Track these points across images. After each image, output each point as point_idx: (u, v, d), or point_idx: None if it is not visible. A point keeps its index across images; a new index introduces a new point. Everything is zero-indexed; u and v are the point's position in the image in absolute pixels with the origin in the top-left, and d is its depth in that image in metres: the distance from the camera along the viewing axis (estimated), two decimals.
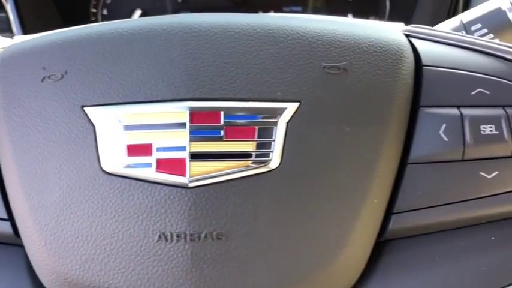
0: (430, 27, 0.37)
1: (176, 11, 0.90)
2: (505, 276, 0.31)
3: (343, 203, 0.30)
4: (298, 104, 0.30)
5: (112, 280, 0.29)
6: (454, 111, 0.32)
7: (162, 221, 0.29)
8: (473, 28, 0.49)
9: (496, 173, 0.31)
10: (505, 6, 0.48)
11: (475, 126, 0.31)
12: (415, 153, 0.32)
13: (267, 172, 0.30)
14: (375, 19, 0.91)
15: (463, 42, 0.35)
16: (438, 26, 0.52)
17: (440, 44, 0.35)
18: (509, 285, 0.31)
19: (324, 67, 0.31)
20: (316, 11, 0.89)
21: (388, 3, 0.90)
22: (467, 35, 0.36)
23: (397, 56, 0.33)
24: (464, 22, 0.50)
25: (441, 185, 0.31)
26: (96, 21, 0.92)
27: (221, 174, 0.29)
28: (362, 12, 0.90)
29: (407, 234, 0.32)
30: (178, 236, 0.29)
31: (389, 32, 0.35)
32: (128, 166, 0.30)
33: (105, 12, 0.91)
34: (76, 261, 0.29)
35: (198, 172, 0.29)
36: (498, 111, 0.32)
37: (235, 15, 0.34)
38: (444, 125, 0.32)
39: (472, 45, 0.35)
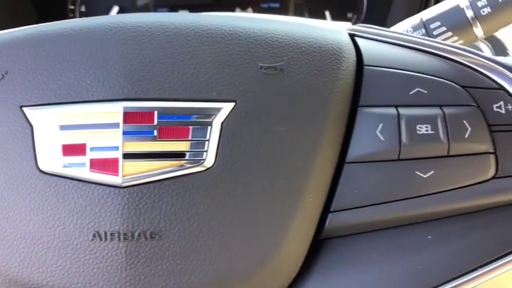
0: (376, 27, 0.37)
1: (155, 7, 0.90)
2: (439, 275, 0.31)
3: (278, 202, 0.30)
4: (233, 104, 0.31)
5: (50, 278, 0.30)
6: (392, 110, 0.32)
7: (96, 220, 0.29)
8: (432, 26, 0.49)
9: (432, 172, 0.31)
10: (463, 4, 0.48)
11: (411, 126, 0.32)
12: (352, 153, 0.32)
13: (201, 172, 0.30)
14: (353, 16, 0.91)
15: (406, 42, 0.35)
16: (399, 24, 0.52)
17: (385, 44, 0.36)
18: (443, 283, 0.31)
19: (261, 67, 0.31)
20: (294, 7, 0.89)
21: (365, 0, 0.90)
22: (411, 35, 0.36)
23: (336, 56, 0.33)
24: (424, 20, 0.50)
25: (378, 184, 0.32)
26: (74, 17, 0.92)
27: (154, 173, 0.29)
28: (340, 9, 0.90)
29: (346, 232, 0.33)
30: (112, 234, 0.29)
31: (332, 31, 0.35)
32: (64, 166, 0.30)
33: (83, 9, 0.91)
34: (15, 260, 0.30)
35: (131, 172, 0.29)
36: (435, 111, 0.32)
37: (177, 15, 0.34)
38: (381, 125, 0.32)
39: (415, 44, 0.35)
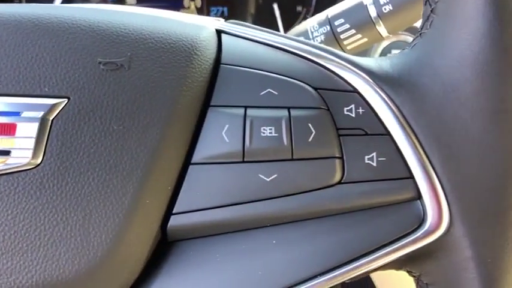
0: (248, 24, 0.36)
1: None
2: (278, 280, 0.30)
3: (111, 203, 0.29)
4: (66, 100, 0.29)
5: None
6: (240, 111, 0.31)
7: None
8: (336, 23, 0.48)
9: (275, 176, 0.30)
10: (366, 1, 0.47)
11: (255, 128, 0.31)
12: (199, 154, 0.31)
13: (27, 170, 0.29)
14: (302, 9, 0.90)
15: (270, 40, 0.34)
16: (307, 21, 0.51)
17: (249, 42, 0.34)
18: None
19: (100, 63, 0.30)
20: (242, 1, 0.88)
21: None
22: (279, 33, 0.35)
23: (186, 53, 0.32)
24: (329, 17, 0.49)
25: (222, 186, 0.31)
26: (20, 2, 0.91)
27: None
28: (288, 2, 0.89)
29: (190, 235, 0.32)
30: None
31: (194, 27, 0.34)
32: None
33: None
34: None
35: None
36: (282, 113, 0.31)
37: (27, 7, 0.33)
38: (227, 126, 0.31)
39: (277, 43, 0.34)
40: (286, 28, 0.84)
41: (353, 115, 0.31)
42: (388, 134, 0.31)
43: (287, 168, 0.30)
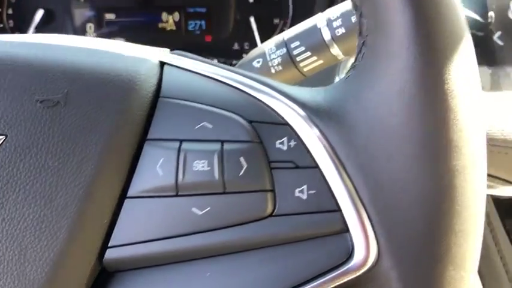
0: (192, 55, 0.36)
1: (80, 10, 0.90)
2: None
3: (48, 238, 0.30)
4: (3, 138, 0.30)
5: None
6: (175, 145, 0.32)
7: None
8: (292, 45, 0.49)
9: (208, 209, 0.31)
10: (320, 24, 0.48)
11: (188, 162, 0.31)
12: (134, 188, 0.32)
13: None
14: (279, 22, 0.90)
15: (210, 72, 0.35)
16: (266, 43, 0.52)
17: (190, 73, 0.35)
18: None
19: (37, 100, 0.31)
20: (220, 12, 0.88)
21: (290, 5, 0.89)
22: (222, 65, 0.36)
23: (124, 88, 0.32)
24: (285, 39, 0.49)
25: (156, 220, 0.31)
26: (1, 20, 0.92)
27: None
28: (265, 14, 0.89)
29: (128, 266, 0.32)
30: None
31: (136, 60, 0.34)
32: None
33: (10, 11, 0.91)
34: None
35: None
36: (214, 147, 0.32)
37: None
38: (162, 159, 0.32)
39: (217, 75, 0.34)
40: (264, 41, 0.85)
41: (285, 148, 0.32)
42: (317, 166, 0.31)
43: (219, 201, 0.31)
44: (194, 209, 0.31)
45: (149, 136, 0.32)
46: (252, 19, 0.87)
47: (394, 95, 0.30)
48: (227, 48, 0.90)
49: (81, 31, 0.91)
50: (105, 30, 0.91)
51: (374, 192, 0.30)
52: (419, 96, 0.29)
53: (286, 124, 0.32)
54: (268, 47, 0.50)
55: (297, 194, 0.31)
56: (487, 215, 0.67)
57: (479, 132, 0.30)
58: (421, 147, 0.29)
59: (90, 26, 0.91)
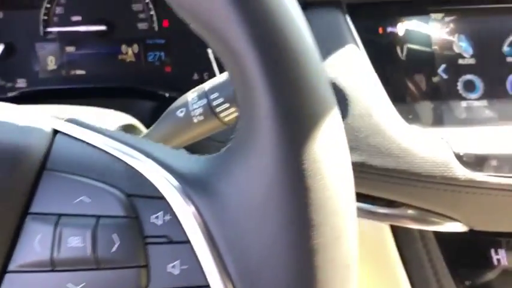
0: (87, 123, 0.37)
1: (41, 44, 0.91)
2: None
3: None
4: None
5: None
6: (53, 220, 0.32)
7: None
8: (212, 97, 0.49)
9: (83, 284, 0.31)
10: None
11: (64, 237, 0.32)
12: (14, 262, 0.32)
13: None
14: None
15: (99, 142, 0.35)
16: (189, 93, 0.52)
17: (81, 143, 0.35)
18: None
19: None
20: (178, 44, 0.89)
21: None
22: (115, 132, 0.36)
23: (7, 162, 0.33)
24: (206, 90, 0.50)
25: None
26: None
27: None
28: None
29: None
30: None
31: (20, 130, 0.35)
32: None
33: None
34: None
35: None
36: (90, 222, 0.32)
37: None
38: (39, 235, 0.32)
39: (105, 145, 0.35)
40: (222, 71, 0.85)
41: (160, 222, 0.32)
42: (189, 242, 0.31)
43: (94, 277, 0.31)
44: (69, 285, 0.31)
45: (31, 209, 0.33)
46: (209, 50, 0.87)
47: (258, 174, 0.30)
48: (187, 79, 0.91)
49: (43, 64, 0.93)
50: (65, 62, 0.92)
51: (242, 268, 0.31)
52: (278, 176, 0.29)
53: (162, 198, 0.32)
54: (191, 97, 0.50)
55: (169, 269, 0.31)
56: (429, 252, 0.67)
57: (344, 208, 0.31)
58: (281, 227, 0.29)
59: (51, 60, 0.92)
